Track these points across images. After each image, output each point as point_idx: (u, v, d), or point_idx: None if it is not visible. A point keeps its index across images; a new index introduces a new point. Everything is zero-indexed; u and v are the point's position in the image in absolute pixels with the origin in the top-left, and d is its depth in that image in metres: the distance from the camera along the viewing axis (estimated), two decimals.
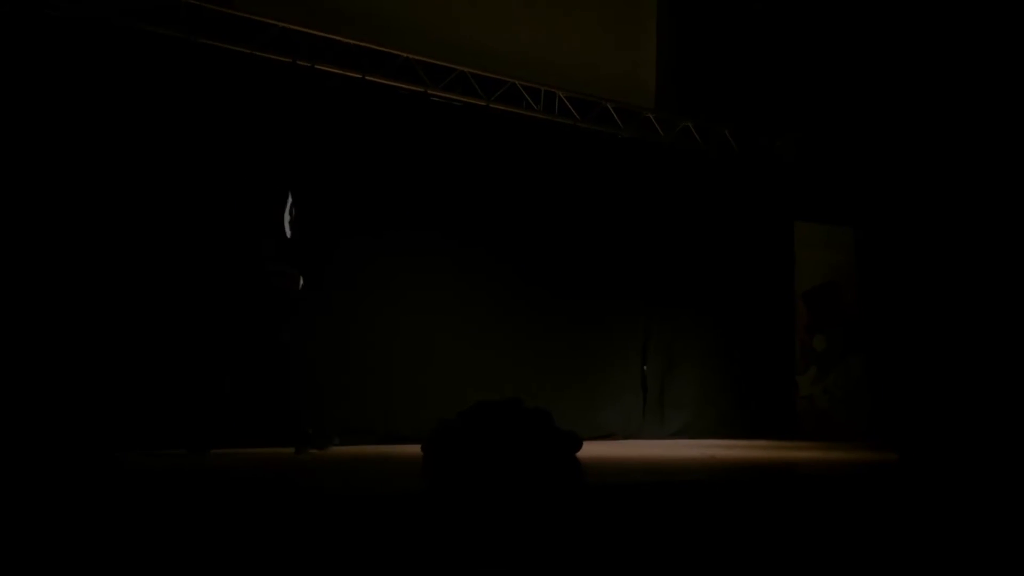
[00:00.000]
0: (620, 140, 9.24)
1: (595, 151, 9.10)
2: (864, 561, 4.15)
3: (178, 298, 6.76)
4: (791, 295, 10.37)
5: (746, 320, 9.93)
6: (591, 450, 7.42)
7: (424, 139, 8.08)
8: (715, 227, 9.89)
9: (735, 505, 4.92)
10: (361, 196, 7.67)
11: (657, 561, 3.93)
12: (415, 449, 6.51)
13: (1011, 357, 8.71)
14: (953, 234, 9.59)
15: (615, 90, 9.10)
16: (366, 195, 7.70)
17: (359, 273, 7.61)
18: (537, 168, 8.71)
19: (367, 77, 7.72)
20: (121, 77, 6.67)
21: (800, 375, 10.34)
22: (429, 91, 8.06)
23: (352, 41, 7.60)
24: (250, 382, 6.47)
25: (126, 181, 6.63)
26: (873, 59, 10.08)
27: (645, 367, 9.37)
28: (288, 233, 6.54)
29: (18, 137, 6.25)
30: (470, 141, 8.34)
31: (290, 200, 6.63)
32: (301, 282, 6.60)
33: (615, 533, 4.08)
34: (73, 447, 5.85)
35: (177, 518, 3.25)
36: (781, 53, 10.02)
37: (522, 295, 8.46)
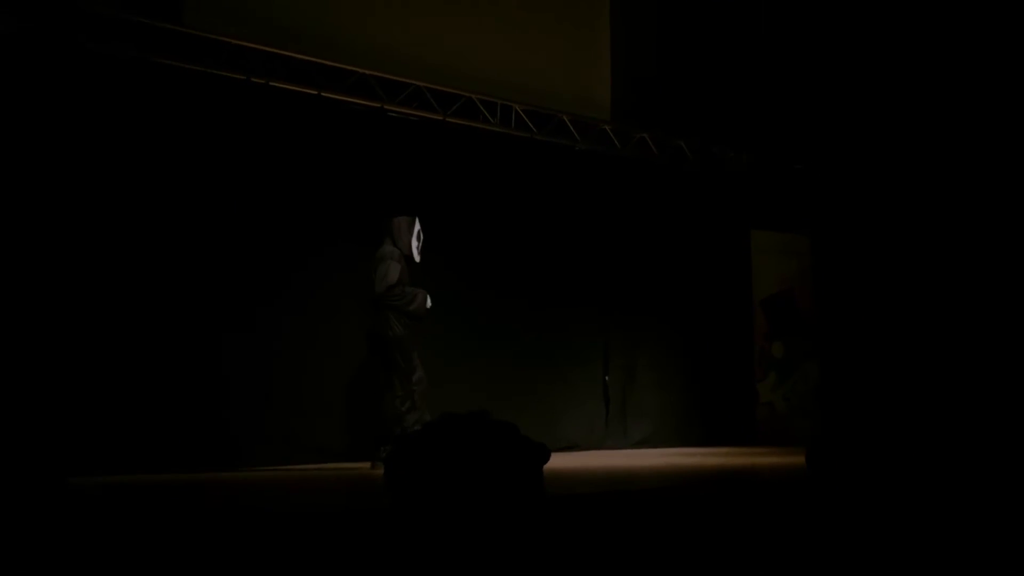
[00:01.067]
0: (577, 152, 9.30)
1: (552, 163, 9.15)
2: (829, 565, 4.19)
3: (139, 312, 6.70)
4: (749, 303, 10.48)
5: (705, 328, 10.01)
6: (554, 462, 7.44)
7: (381, 154, 8.07)
8: (673, 237, 9.97)
9: (698, 512, 4.96)
10: (318, 212, 7.65)
11: (626, 570, 3.95)
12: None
13: (960, 360, 8.86)
14: (907, 240, 9.74)
15: (571, 103, 9.15)
16: (323, 211, 7.67)
17: (315, 288, 7.58)
18: (495, 181, 8.74)
19: (323, 93, 7.70)
20: (73, 98, 6.59)
21: (760, 382, 10.44)
22: (386, 106, 8.06)
23: (306, 57, 7.58)
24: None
25: (87, 208, 6.56)
26: (824, 66, 10.22)
27: (607, 377, 9.41)
28: (417, 258, 6.91)
29: None
30: (428, 155, 8.34)
31: (417, 226, 6.96)
32: (428, 301, 6.89)
33: (577, 545, 4.10)
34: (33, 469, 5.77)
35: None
36: (734, 64, 10.13)
37: (481, 307, 8.47)
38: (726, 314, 10.22)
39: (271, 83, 7.45)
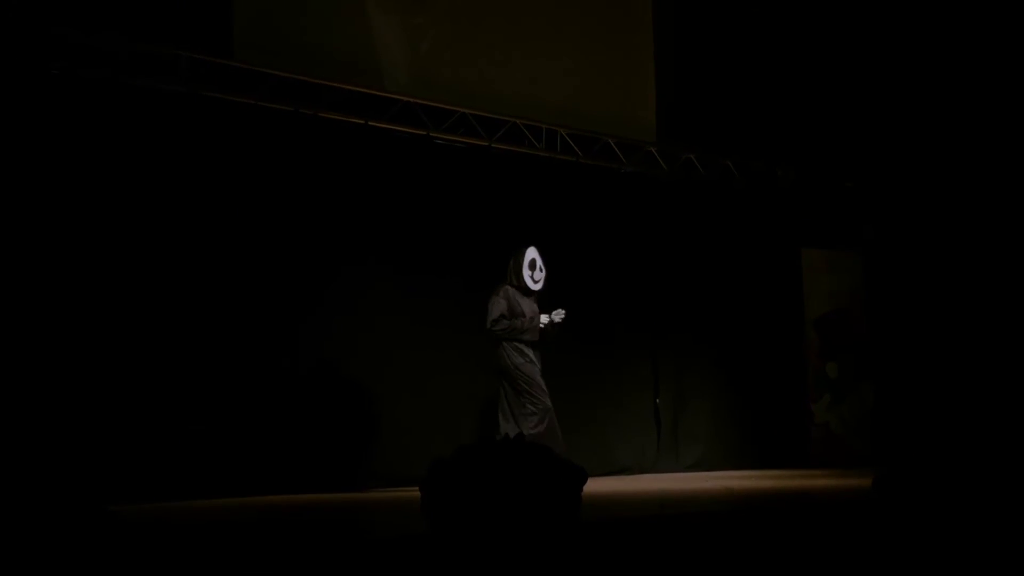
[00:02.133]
0: (623, 174, 9.28)
1: (599, 187, 9.14)
2: None
3: (184, 347, 6.81)
4: (801, 322, 10.34)
5: (757, 349, 9.90)
6: (606, 485, 7.40)
7: (430, 181, 8.14)
8: (722, 257, 9.90)
9: (750, 537, 4.89)
10: (368, 241, 7.72)
11: None
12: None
13: (1017, 376, 8.66)
14: (959, 255, 9.57)
15: (616, 125, 9.15)
16: (373, 240, 7.75)
17: (369, 315, 7.65)
18: (542, 206, 8.74)
19: (370, 123, 7.79)
20: (126, 135, 6.74)
21: (814, 402, 10.29)
22: (432, 133, 8.13)
23: (352, 88, 7.68)
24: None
25: (133, 239, 6.69)
26: (874, 82, 10.13)
27: (658, 400, 9.34)
28: (533, 287, 7.16)
29: (24, 199, 6.30)
30: (475, 181, 8.39)
31: (531, 255, 7.20)
32: (552, 317, 7.17)
33: (617, 570, 4.06)
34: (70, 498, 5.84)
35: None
36: (780, 81, 10.07)
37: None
38: (778, 334, 10.10)
39: (319, 114, 7.55)
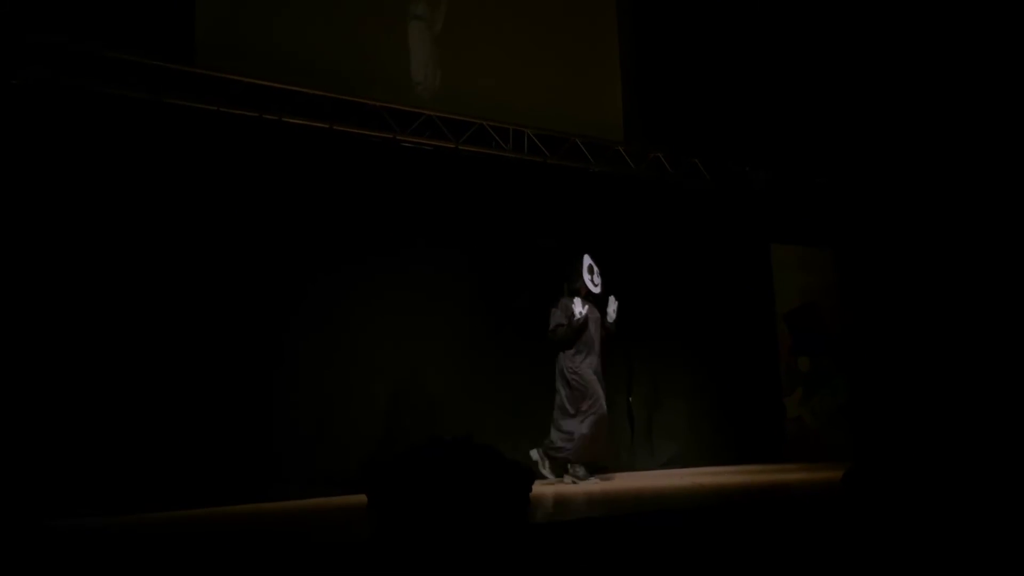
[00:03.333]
0: (591, 174, 9.29)
1: (567, 187, 9.15)
2: None
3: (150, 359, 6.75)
4: (773, 318, 10.39)
5: (729, 345, 9.94)
6: (582, 484, 7.40)
7: (398, 184, 8.12)
8: (692, 255, 9.93)
9: (722, 533, 4.90)
10: (335, 246, 7.69)
11: None
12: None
13: (990, 371, 8.74)
14: (930, 249, 9.65)
15: (583, 125, 9.17)
16: (340, 245, 7.72)
17: (337, 320, 7.62)
18: (511, 207, 8.75)
19: (335, 127, 7.76)
20: (87, 141, 6.69)
21: (787, 397, 10.34)
22: (398, 136, 8.11)
23: (317, 92, 7.65)
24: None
25: (98, 246, 6.63)
26: (841, 78, 10.19)
27: (631, 399, 9.35)
28: (594, 290, 7.83)
29: None
30: (443, 184, 8.38)
31: (588, 261, 7.86)
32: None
33: (600, 569, 4.05)
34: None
35: None
36: (747, 78, 10.12)
37: (499, 334, 8.44)
38: (750, 330, 10.15)
39: (284, 119, 7.52)
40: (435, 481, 1.51)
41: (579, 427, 7.52)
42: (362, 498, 6.18)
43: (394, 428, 7.67)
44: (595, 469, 8.56)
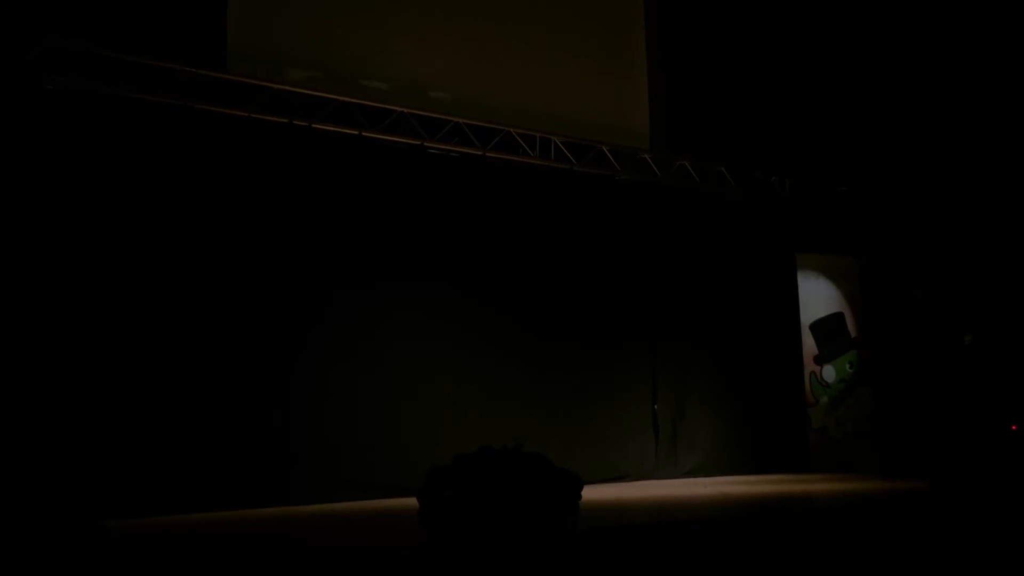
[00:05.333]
0: (617, 182, 9.30)
1: (593, 194, 9.15)
2: None
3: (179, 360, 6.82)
4: (797, 327, 10.34)
5: (754, 354, 9.90)
6: (605, 492, 7.40)
7: (425, 190, 8.16)
8: (717, 263, 9.90)
9: (749, 542, 4.89)
10: (364, 250, 7.74)
11: None
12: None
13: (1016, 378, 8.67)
14: (953, 258, 9.59)
15: (610, 133, 9.17)
16: (369, 249, 7.77)
17: (367, 323, 7.67)
18: (538, 214, 8.77)
19: (364, 133, 7.81)
20: (120, 146, 6.77)
21: (812, 407, 10.28)
22: (426, 143, 8.14)
23: (347, 99, 7.70)
24: None
25: (126, 250, 6.70)
26: (864, 85, 10.14)
27: (656, 407, 9.34)
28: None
29: (23, 211, 6.32)
30: (470, 190, 8.42)
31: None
32: None
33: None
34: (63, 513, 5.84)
35: None
36: (773, 88, 10.08)
37: (526, 342, 8.47)
38: (774, 339, 10.10)
39: (313, 125, 7.57)
40: (487, 488, 1.53)
41: None
42: (389, 503, 6.20)
43: (434, 436, 7.67)
44: (616, 477, 8.57)
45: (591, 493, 7.38)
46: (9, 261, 6.23)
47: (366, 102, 7.81)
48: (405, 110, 7.99)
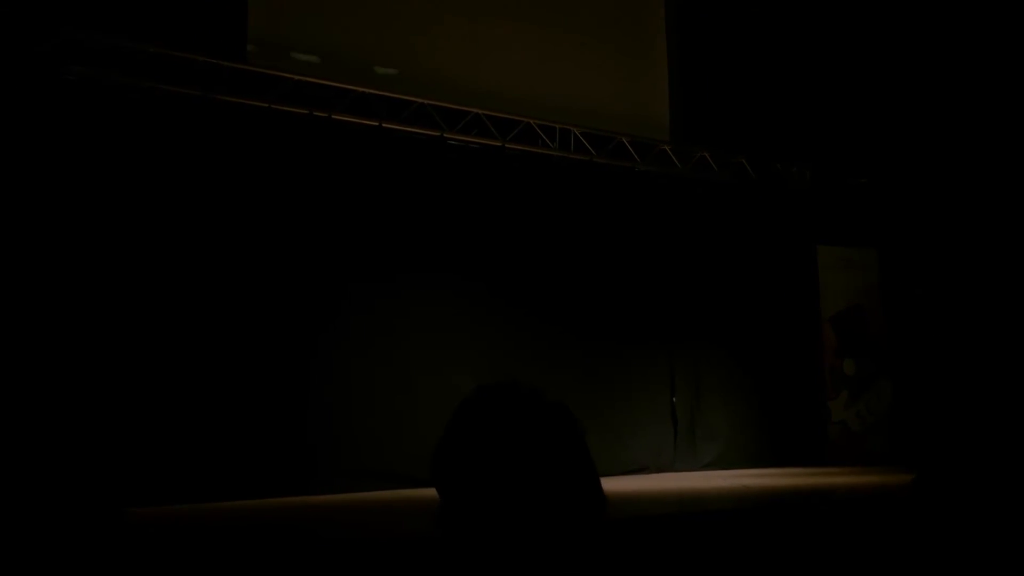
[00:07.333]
0: (637, 173, 9.27)
1: (613, 185, 9.14)
2: None
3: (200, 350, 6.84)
4: (817, 320, 10.29)
5: (773, 347, 9.86)
6: (623, 484, 7.39)
7: (444, 182, 8.16)
8: (737, 255, 9.86)
9: (768, 535, 4.88)
10: (383, 242, 7.75)
11: None
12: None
13: None
14: (978, 250, 9.51)
15: (629, 124, 9.15)
16: (388, 241, 7.77)
17: (385, 315, 7.67)
18: (556, 205, 8.75)
19: (384, 124, 7.81)
20: (140, 137, 6.80)
21: (831, 400, 10.24)
22: (445, 135, 8.14)
23: (367, 90, 7.70)
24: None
25: (146, 242, 6.73)
26: (884, 76, 10.07)
27: (674, 399, 9.32)
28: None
29: (39, 205, 6.35)
30: (489, 182, 8.41)
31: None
32: None
33: (646, 569, 4.05)
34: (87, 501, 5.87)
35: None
36: (793, 78, 10.03)
37: (543, 334, 8.46)
38: (794, 332, 10.06)
39: (333, 116, 7.58)
40: (497, 444, 1.49)
41: None
42: (410, 493, 6.22)
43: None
44: (634, 469, 8.57)
45: (610, 485, 7.39)
46: (36, 251, 6.25)
47: (385, 93, 7.81)
48: (425, 101, 7.99)
